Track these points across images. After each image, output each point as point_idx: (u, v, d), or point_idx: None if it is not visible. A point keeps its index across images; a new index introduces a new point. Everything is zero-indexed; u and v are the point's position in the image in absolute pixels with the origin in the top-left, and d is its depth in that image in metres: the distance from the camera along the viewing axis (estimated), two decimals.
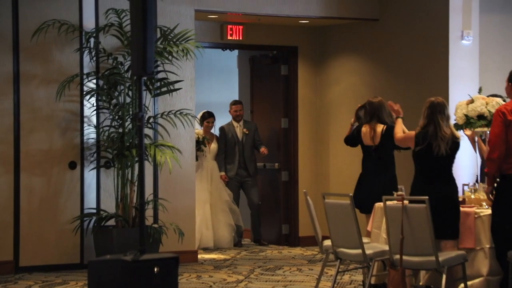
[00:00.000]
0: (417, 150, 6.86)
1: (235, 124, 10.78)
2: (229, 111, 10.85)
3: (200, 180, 10.51)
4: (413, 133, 6.93)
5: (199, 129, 10.53)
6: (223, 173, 10.68)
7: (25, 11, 8.64)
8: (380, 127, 7.97)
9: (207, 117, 10.71)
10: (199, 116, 10.66)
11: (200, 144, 10.38)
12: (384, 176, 7.96)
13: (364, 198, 7.91)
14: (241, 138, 10.73)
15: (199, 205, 10.32)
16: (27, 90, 8.67)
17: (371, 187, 7.91)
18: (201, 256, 9.67)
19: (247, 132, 10.73)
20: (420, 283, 7.04)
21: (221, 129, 10.81)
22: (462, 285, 6.70)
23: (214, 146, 10.73)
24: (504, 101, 7.27)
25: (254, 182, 10.74)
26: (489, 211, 6.83)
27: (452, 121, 7.76)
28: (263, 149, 10.64)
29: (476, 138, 7.56)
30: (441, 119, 6.79)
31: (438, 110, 6.81)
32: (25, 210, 8.62)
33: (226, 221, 10.54)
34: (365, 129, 8.13)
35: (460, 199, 7.16)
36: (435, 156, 6.77)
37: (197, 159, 10.52)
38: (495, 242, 6.65)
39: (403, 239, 6.40)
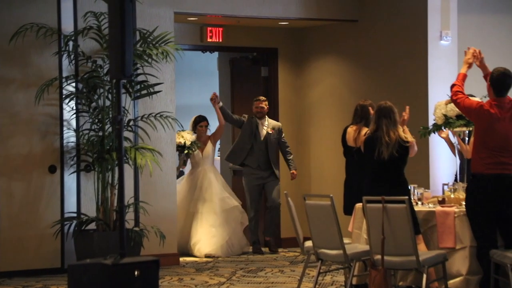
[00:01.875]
0: (365, 154, 7.06)
1: (258, 121, 10.12)
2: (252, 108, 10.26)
3: (188, 187, 10.08)
4: (364, 137, 7.16)
5: (184, 132, 10.10)
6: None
7: (3, 15, 8.59)
8: (364, 130, 8.04)
9: (199, 121, 10.30)
10: (191, 121, 10.38)
11: (184, 149, 9.99)
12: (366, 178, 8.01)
13: (349, 200, 8.03)
14: (263, 137, 10.11)
15: (183, 213, 9.96)
16: (5, 94, 8.62)
17: (355, 189, 7.96)
18: (182, 258, 9.64)
19: (271, 132, 10.07)
20: (400, 283, 7.07)
21: (244, 117, 10.14)
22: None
23: (208, 149, 10.23)
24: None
25: (277, 182, 10.10)
26: None
27: (431, 121, 7.82)
28: (293, 172, 10.09)
29: (456, 138, 7.60)
30: (387, 123, 6.93)
31: (383, 115, 6.98)
32: (5, 215, 8.57)
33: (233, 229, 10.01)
34: (351, 129, 8.34)
35: (440, 199, 7.21)
36: (380, 160, 6.88)
37: (185, 164, 10.35)
38: (476, 240, 6.69)
39: (384, 239, 6.43)
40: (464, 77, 6.79)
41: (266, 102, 10.22)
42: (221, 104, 10.04)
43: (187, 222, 10.04)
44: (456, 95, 6.68)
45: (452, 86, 6.76)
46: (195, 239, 9.94)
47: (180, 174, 10.74)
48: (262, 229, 10.30)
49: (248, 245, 10.16)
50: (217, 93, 10.12)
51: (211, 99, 10.02)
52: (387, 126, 6.96)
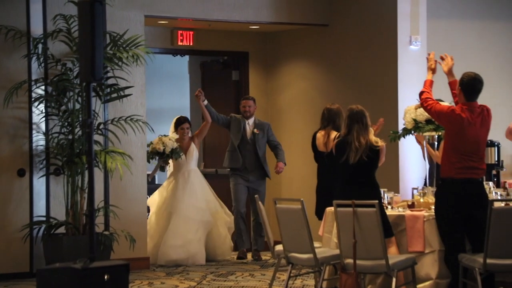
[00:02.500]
0: (336, 158, 7.07)
1: (245, 121, 9.86)
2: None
3: (169, 189, 9.69)
4: (335, 141, 7.19)
5: (166, 138, 9.70)
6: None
7: None
8: (333, 134, 8.09)
9: (181, 123, 9.89)
10: (173, 122, 10.03)
11: (164, 156, 9.62)
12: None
13: (321, 204, 8.06)
14: (249, 137, 9.84)
15: (163, 216, 9.64)
16: None
17: (327, 194, 7.98)
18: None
19: (257, 132, 9.81)
20: (369, 287, 7.10)
21: (231, 116, 9.92)
22: None
23: (191, 150, 9.84)
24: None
25: (263, 186, 9.86)
26: None
27: (401, 126, 7.87)
28: (280, 165, 9.74)
29: (424, 143, 7.65)
30: (358, 129, 6.96)
31: (356, 120, 7.01)
32: None
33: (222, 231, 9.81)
34: (320, 134, 8.38)
35: (409, 203, 7.26)
36: (349, 164, 6.93)
37: (163, 170, 9.99)
38: (444, 244, 6.74)
39: (355, 243, 6.45)
40: (431, 83, 6.86)
41: (254, 101, 9.96)
42: (206, 102, 9.80)
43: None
44: (426, 102, 6.73)
45: (421, 93, 6.81)
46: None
47: (152, 182, 10.52)
48: (252, 240, 10.02)
49: (231, 253, 9.94)
50: (201, 90, 9.84)
51: (196, 96, 9.77)
52: (358, 131, 6.98)
